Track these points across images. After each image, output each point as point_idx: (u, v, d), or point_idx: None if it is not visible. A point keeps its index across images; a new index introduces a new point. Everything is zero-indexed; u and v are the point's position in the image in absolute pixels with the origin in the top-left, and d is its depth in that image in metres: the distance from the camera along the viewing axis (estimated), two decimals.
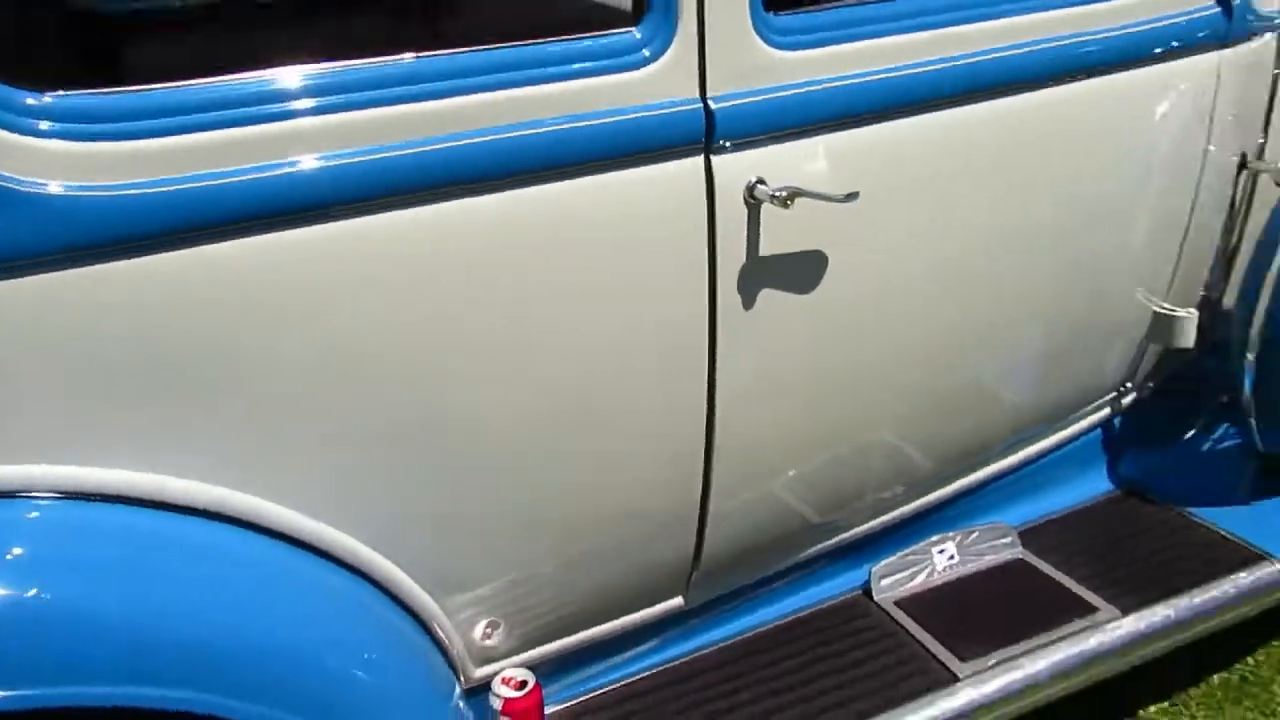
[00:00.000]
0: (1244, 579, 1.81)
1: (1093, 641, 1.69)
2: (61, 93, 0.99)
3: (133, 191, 1.00)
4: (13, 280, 0.98)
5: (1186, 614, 1.76)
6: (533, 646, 1.51)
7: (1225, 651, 2.07)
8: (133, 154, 1.01)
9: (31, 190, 0.97)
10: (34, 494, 1.07)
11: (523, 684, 1.45)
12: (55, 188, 0.97)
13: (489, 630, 1.46)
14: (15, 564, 1.03)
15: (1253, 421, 1.94)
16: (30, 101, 0.97)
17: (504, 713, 1.44)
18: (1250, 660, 2.06)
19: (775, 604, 1.76)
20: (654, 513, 1.48)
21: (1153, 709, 1.97)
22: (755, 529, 1.60)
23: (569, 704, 1.58)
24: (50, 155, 0.97)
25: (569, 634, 1.53)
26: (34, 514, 1.07)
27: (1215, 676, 2.03)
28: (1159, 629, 1.73)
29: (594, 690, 1.61)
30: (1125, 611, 1.73)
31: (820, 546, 1.74)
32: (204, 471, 1.14)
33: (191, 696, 1.06)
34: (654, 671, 1.65)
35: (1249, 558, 1.84)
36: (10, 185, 0.95)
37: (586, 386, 1.32)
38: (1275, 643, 2.10)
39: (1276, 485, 1.99)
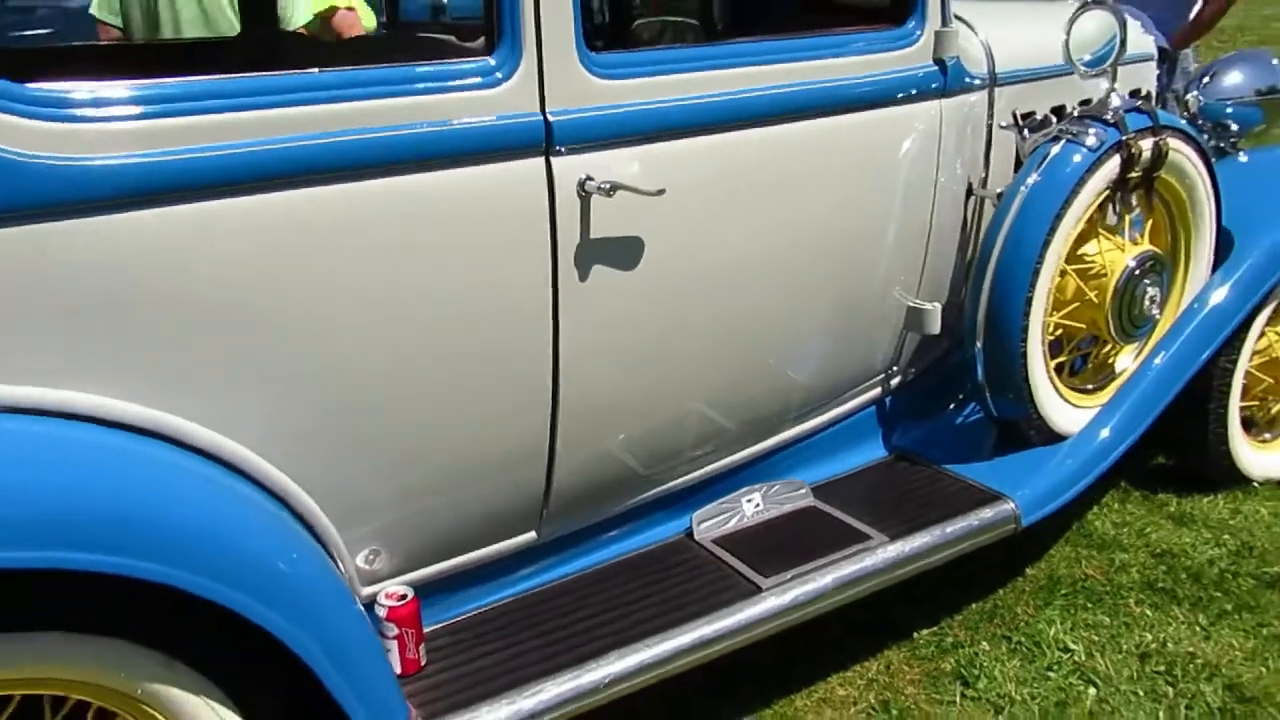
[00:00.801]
0: (986, 513, 2.27)
1: (867, 561, 2.10)
2: (48, 85, 1.29)
3: (96, 163, 1.31)
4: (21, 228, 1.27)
5: (940, 540, 2.20)
6: (408, 571, 1.80)
7: (980, 585, 2.53)
8: (98, 134, 1.31)
9: (21, 159, 1.26)
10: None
11: (402, 596, 1.75)
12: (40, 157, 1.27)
13: (371, 556, 1.76)
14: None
15: (987, 395, 2.44)
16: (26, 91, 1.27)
17: (388, 619, 1.73)
18: (1000, 591, 2.53)
19: (614, 545, 2.11)
20: (509, 456, 1.82)
21: (925, 631, 2.40)
22: (596, 475, 1.96)
23: (442, 624, 1.87)
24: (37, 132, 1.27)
25: (439, 561, 1.83)
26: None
27: (973, 604, 2.48)
28: (920, 550, 2.16)
29: (461, 614, 1.91)
30: (893, 539, 2.16)
31: (650, 494, 2.11)
32: (147, 397, 1.41)
33: (130, 563, 1.30)
34: (513, 598, 1.96)
35: (990, 498, 2.31)
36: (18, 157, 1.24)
37: (449, 344, 1.66)
38: (1018, 578, 2.58)
39: (1009, 445, 2.48)
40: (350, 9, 3.35)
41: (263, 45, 1.79)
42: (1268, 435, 3.02)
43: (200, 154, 1.38)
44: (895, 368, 2.48)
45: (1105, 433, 2.45)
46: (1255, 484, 2.93)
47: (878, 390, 2.49)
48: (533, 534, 1.96)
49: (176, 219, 1.38)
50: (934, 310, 2.35)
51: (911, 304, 2.36)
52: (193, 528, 1.37)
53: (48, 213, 1.30)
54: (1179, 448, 2.95)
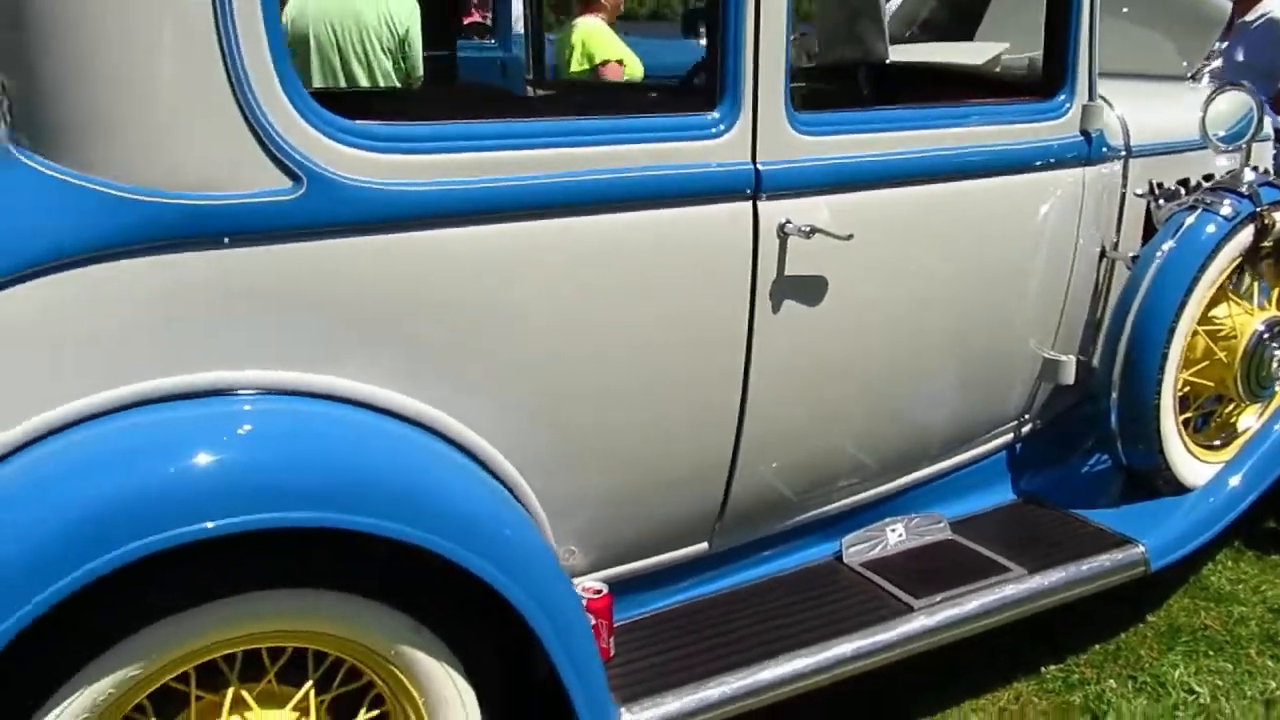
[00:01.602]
0: (1117, 555, 2.39)
1: (1008, 590, 2.24)
2: (369, 121, 1.53)
3: (390, 184, 1.54)
4: (325, 241, 1.50)
5: (1075, 577, 2.32)
6: (596, 570, 1.98)
7: (1104, 627, 2.64)
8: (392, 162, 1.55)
9: (350, 182, 1.50)
10: (298, 392, 1.56)
11: (598, 590, 1.93)
12: (356, 180, 1.51)
13: (568, 553, 1.94)
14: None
15: (1119, 445, 2.58)
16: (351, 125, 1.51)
17: (586, 610, 1.91)
18: (1123, 634, 2.63)
19: (773, 561, 2.27)
20: (698, 469, 2.01)
21: (1052, 667, 2.51)
22: (766, 493, 2.13)
23: (621, 621, 2.05)
24: (350, 158, 1.51)
25: (623, 563, 2.01)
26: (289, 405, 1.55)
27: (1097, 645, 2.59)
28: (1056, 585, 2.29)
29: (639, 614, 2.08)
30: (1031, 573, 2.29)
31: (808, 516, 2.27)
32: (411, 387, 1.63)
33: (377, 523, 1.49)
34: (684, 603, 2.13)
35: (1120, 541, 2.43)
36: (338, 178, 1.48)
37: (659, 363, 1.86)
38: (1139, 623, 2.68)
39: (1137, 493, 2.61)
40: (620, 61, 3.81)
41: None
42: None
43: (477, 185, 1.61)
44: (1028, 415, 2.63)
45: (1233, 485, 2.57)
46: None
47: (1010, 435, 2.64)
48: (705, 544, 2.13)
49: (452, 239, 1.61)
50: (1069, 362, 2.51)
51: (1048, 355, 2.52)
52: (457, 506, 1.57)
53: (350, 226, 1.53)
54: None
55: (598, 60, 3.96)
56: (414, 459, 1.59)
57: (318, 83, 3.58)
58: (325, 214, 1.49)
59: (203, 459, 1.39)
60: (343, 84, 3.55)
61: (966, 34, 3.23)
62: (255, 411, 1.49)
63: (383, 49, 3.57)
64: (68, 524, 1.30)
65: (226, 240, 1.45)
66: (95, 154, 1.40)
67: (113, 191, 1.40)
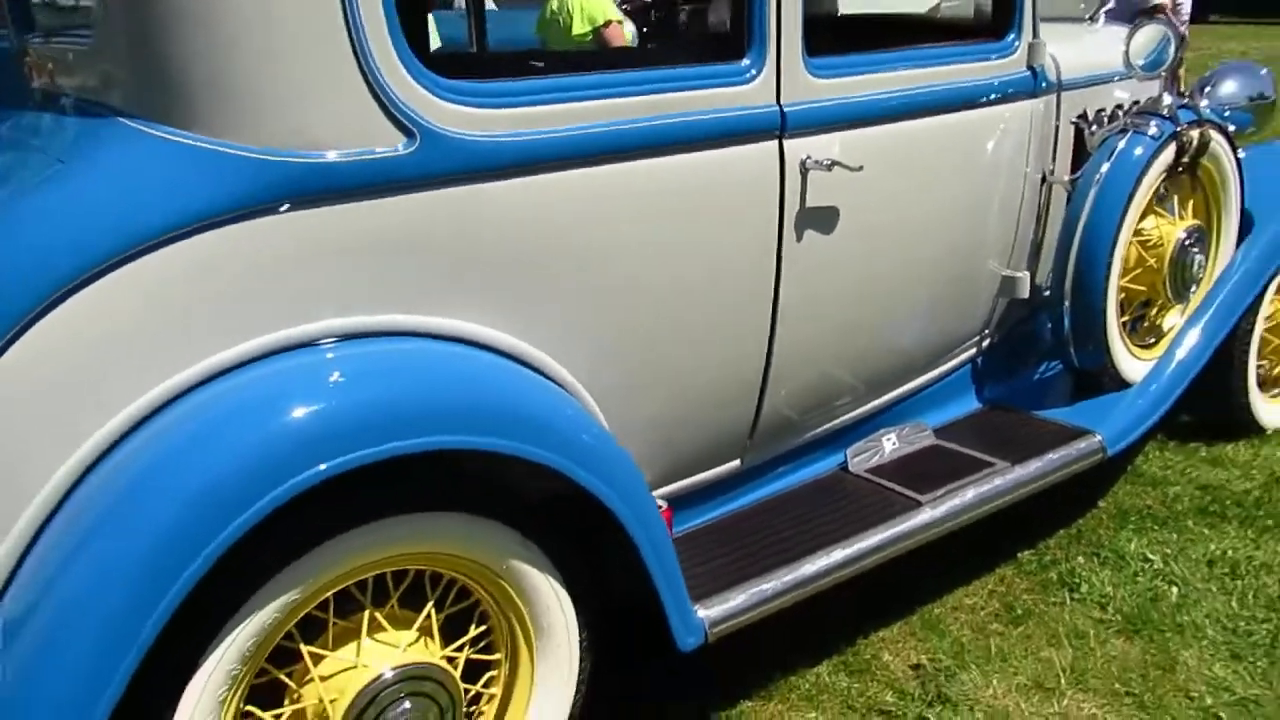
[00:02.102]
0: (1080, 445, 2.71)
1: (997, 481, 2.52)
2: (467, 81, 1.66)
3: (489, 136, 1.68)
4: (437, 191, 1.63)
5: (1049, 466, 2.63)
6: (655, 488, 2.16)
7: (1063, 517, 2.97)
8: (489, 116, 1.68)
9: (447, 133, 1.63)
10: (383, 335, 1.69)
11: (660, 506, 2.11)
12: (465, 134, 1.64)
13: None
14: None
15: (1071, 349, 2.89)
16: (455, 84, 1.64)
17: None
18: (1081, 520, 2.97)
19: (793, 474, 2.50)
20: (734, 392, 2.21)
21: (1027, 553, 2.82)
22: (792, 409, 2.36)
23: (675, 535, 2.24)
24: (459, 114, 1.64)
25: (672, 481, 2.20)
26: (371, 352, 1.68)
27: (1060, 530, 2.92)
28: (1035, 474, 2.59)
29: (688, 527, 2.28)
30: (1012, 465, 2.59)
31: (821, 430, 2.51)
32: (509, 324, 1.78)
33: (492, 441, 1.63)
34: (725, 515, 2.34)
35: (1080, 433, 2.75)
36: (452, 130, 1.61)
37: (701, 289, 2.04)
38: (1093, 509, 3.03)
39: (1086, 393, 2.94)
40: (620, 22, 3.94)
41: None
42: (1276, 391, 3.54)
43: (549, 135, 1.76)
44: (989, 329, 2.92)
45: (1166, 376, 2.92)
46: (1269, 431, 3.43)
47: (974, 350, 2.92)
48: (738, 461, 2.34)
49: (532, 186, 1.76)
50: (1025, 278, 2.80)
51: (1007, 273, 2.80)
52: (541, 413, 1.73)
53: (454, 177, 1.66)
54: (1207, 402, 3.43)
55: (600, 22, 4.18)
56: (527, 391, 1.75)
57: None
58: (437, 166, 1.62)
59: (359, 395, 1.52)
60: None
61: None
62: (392, 351, 1.63)
63: None
64: (273, 444, 1.43)
65: (352, 193, 1.56)
66: (228, 120, 1.50)
67: (246, 154, 1.50)
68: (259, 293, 1.54)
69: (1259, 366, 3.42)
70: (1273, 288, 3.26)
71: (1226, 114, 3.50)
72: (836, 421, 2.56)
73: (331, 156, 1.55)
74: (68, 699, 1.39)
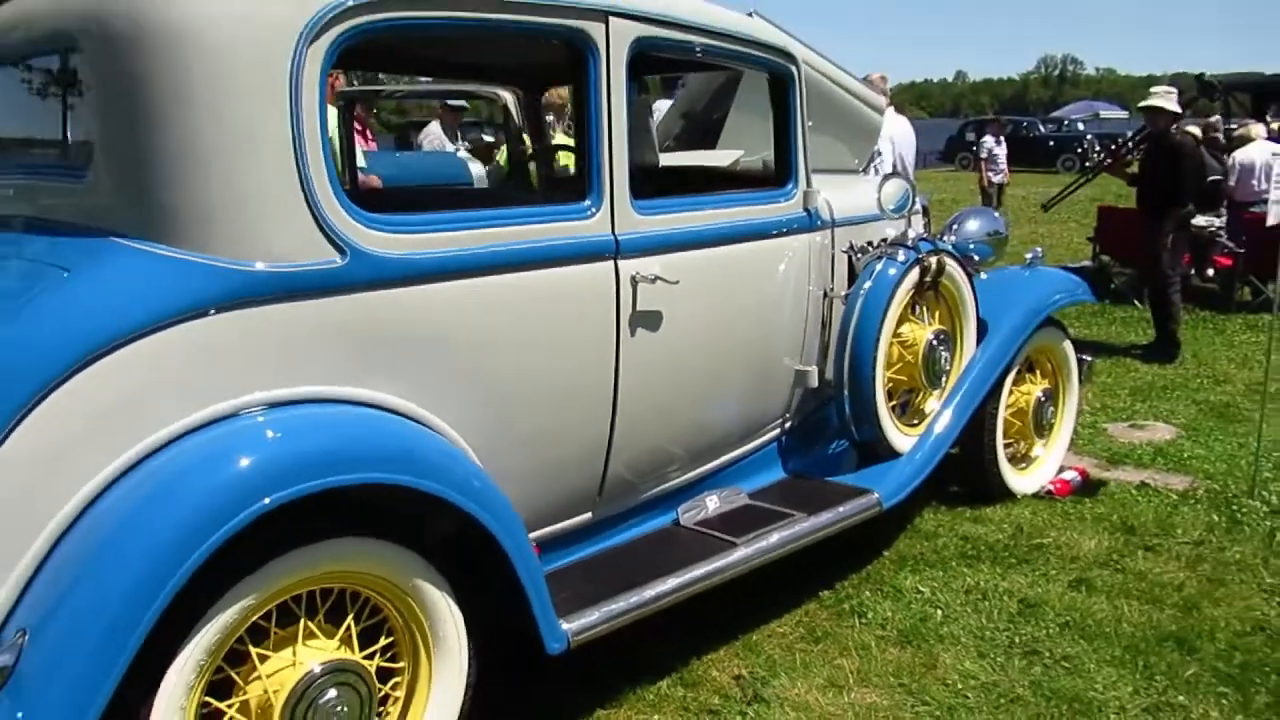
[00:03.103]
0: (861, 500, 3.41)
1: (795, 528, 3.18)
2: (382, 214, 2.26)
3: (400, 254, 2.27)
4: (357, 295, 2.20)
5: (837, 516, 3.30)
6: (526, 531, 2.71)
7: (856, 562, 3.65)
8: (400, 239, 2.28)
9: (374, 250, 2.21)
10: (332, 400, 2.22)
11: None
12: (381, 252, 2.23)
13: None
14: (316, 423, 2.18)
15: (852, 427, 3.63)
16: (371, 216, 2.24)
17: None
18: (869, 566, 3.66)
19: (636, 527, 3.09)
20: (585, 456, 2.80)
21: (825, 592, 3.46)
22: (631, 472, 2.96)
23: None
24: (376, 238, 2.23)
25: (536, 529, 2.75)
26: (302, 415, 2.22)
27: (853, 574, 3.59)
28: (826, 522, 3.26)
29: (549, 569, 2.81)
30: (809, 515, 3.25)
31: (657, 491, 3.11)
32: (404, 394, 2.33)
33: (382, 476, 2.16)
34: (579, 559, 2.89)
35: (861, 492, 3.45)
36: (371, 249, 2.20)
37: (554, 374, 2.65)
38: (879, 557, 3.72)
39: (866, 462, 3.67)
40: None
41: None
42: (1024, 465, 4.38)
43: (445, 254, 2.37)
44: (788, 414, 3.63)
45: (927, 447, 3.68)
46: (1019, 496, 4.25)
47: (778, 430, 3.62)
48: (590, 514, 2.92)
49: (438, 292, 2.35)
50: (813, 371, 3.55)
51: (799, 368, 3.54)
52: (439, 460, 2.28)
53: (374, 283, 2.24)
54: (968, 475, 4.23)
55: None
56: (426, 442, 2.30)
57: None
58: (360, 275, 2.20)
59: (297, 446, 2.06)
60: None
61: (709, 145, 4.32)
62: (321, 415, 2.17)
63: None
64: (232, 483, 1.94)
65: (299, 294, 2.12)
66: (210, 239, 2.05)
67: (223, 265, 2.05)
68: (231, 368, 2.07)
69: (1007, 445, 4.26)
70: (1009, 380, 4.12)
71: (971, 246, 4.43)
72: (668, 485, 3.18)
73: (287, 267, 2.11)
74: (84, 680, 1.82)
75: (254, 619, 2.10)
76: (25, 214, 2.34)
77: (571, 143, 4.54)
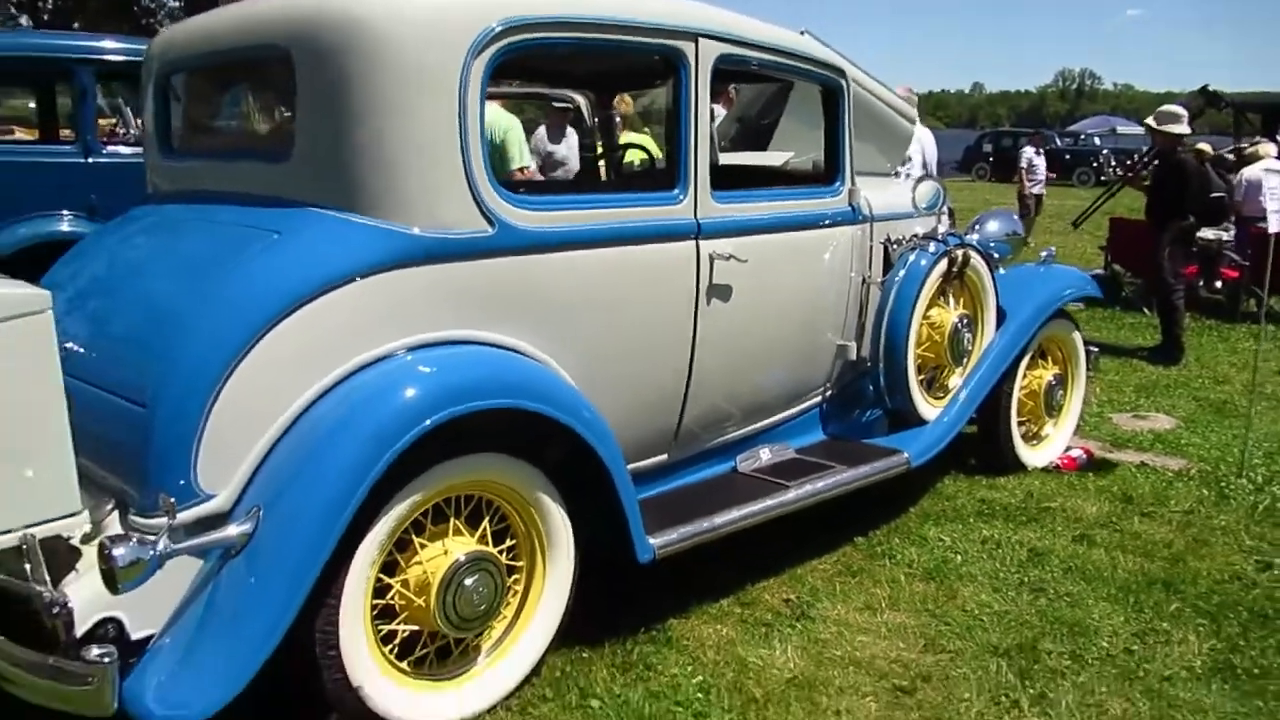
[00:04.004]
0: (892, 459, 3.93)
1: (835, 477, 3.70)
2: (522, 195, 2.79)
3: (535, 228, 2.81)
4: (501, 259, 2.74)
5: (872, 470, 3.82)
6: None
7: (887, 516, 4.17)
8: (535, 216, 2.82)
9: (516, 224, 2.75)
10: (464, 344, 2.75)
11: None
12: (521, 225, 2.77)
13: None
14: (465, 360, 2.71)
15: (886, 397, 4.15)
16: (515, 195, 2.77)
17: None
18: (898, 519, 4.17)
19: (702, 471, 3.61)
20: (664, 404, 3.32)
21: (859, 539, 3.98)
22: (703, 422, 3.48)
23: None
24: (516, 214, 2.77)
25: (629, 463, 3.27)
26: (459, 352, 2.75)
27: (884, 525, 4.10)
28: (862, 475, 3.78)
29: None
30: (849, 467, 3.77)
31: (720, 440, 3.64)
32: (529, 340, 2.86)
33: (512, 402, 2.68)
34: (656, 494, 3.42)
35: (893, 452, 3.98)
36: (513, 222, 2.74)
37: (647, 334, 3.18)
38: (906, 513, 4.24)
39: (897, 428, 4.19)
40: (526, 169, 5.28)
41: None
42: (1035, 442, 4.89)
43: (569, 229, 2.90)
44: (830, 383, 4.15)
45: (950, 416, 4.20)
46: (1030, 469, 4.76)
47: (820, 397, 4.14)
48: (666, 455, 3.44)
49: (563, 259, 2.88)
50: (853, 345, 4.07)
51: (840, 343, 4.06)
52: (561, 394, 2.80)
53: (514, 250, 2.78)
54: (985, 450, 4.75)
55: (515, 166, 5.50)
56: (549, 379, 2.83)
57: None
58: (504, 243, 2.73)
59: (461, 376, 2.59)
60: None
61: (761, 147, 4.85)
62: (472, 354, 2.70)
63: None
64: (411, 404, 2.47)
65: (457, 256, 2.65)
66: (392, 210, 2.58)
67: (402, 230, 2.58)
68: (407, 313, 2.60)
69: (1020, 423, 4.77)
70: (1024, 363, 4.63)
71: (992, 245, 4.94)
72: (728, 436, 3.70)
73: (451, 234, 2.64)
74: (306, 547, 2.34)
75: (415, 515, 2.63)
76: (239, 189, 2.88)
77: (638, 140, 5.11)
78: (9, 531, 2.25)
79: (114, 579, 2.16)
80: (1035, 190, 14.65)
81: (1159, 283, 7.75)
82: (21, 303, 2.24)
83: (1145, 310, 9.24)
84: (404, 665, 2.68)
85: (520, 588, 2.91)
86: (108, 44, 6.13)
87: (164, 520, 2.26)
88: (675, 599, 3.42)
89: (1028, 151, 14.88)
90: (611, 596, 3.30)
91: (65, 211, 5.79)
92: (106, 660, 2.13)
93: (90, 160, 5.79)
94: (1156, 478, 4.82)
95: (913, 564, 3.79)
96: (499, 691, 2.82)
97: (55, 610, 2.23)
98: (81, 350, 2.63)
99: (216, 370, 2.40)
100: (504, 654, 2.85)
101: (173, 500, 2.28)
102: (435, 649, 2.75)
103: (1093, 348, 5.15)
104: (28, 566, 2.27)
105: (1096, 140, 34.71)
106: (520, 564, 2.90)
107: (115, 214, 5.48)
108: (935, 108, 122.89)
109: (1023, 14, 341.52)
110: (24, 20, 22.04)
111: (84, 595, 2.30)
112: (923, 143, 6.82)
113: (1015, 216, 5.30)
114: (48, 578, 2.28)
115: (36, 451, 2.28)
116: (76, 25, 21.45)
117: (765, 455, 3.81)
